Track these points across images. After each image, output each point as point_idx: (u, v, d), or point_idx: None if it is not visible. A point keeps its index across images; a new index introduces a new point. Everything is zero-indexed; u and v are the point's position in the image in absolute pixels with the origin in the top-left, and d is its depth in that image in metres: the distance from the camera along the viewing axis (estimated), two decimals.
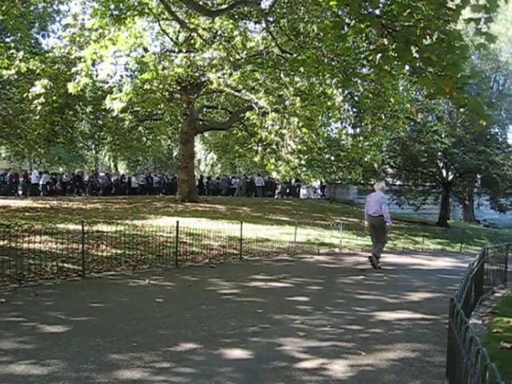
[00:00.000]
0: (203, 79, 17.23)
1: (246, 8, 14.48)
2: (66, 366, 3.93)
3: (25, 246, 8.23)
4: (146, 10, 13.82)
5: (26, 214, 12.86)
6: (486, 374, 2.14)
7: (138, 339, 4.71)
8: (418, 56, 5.33)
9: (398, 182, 30.58)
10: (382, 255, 11.17)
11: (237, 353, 4.48)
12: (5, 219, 11.29)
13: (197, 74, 16.31)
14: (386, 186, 11.17)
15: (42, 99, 14.48)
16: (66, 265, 8.15)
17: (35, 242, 8.42)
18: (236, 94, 16.51)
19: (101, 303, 6.12)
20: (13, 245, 8.17)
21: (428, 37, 5.33)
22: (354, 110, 17.70)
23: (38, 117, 17.30)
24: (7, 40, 19.37)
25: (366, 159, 18.42)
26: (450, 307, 3.45)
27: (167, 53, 18.27)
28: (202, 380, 3.78)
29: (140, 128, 24.33)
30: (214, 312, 5.92)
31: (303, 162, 15.27)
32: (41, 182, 26.37)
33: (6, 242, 8.19)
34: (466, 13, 5.29)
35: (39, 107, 15.50)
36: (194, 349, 4.53)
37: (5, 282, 6.95)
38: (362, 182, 25.77)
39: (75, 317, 5.41)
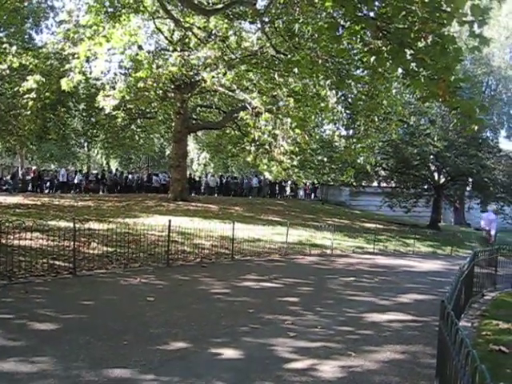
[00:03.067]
0: (197, 78, 17.18)
1: (241, 8, 14.46)
2: (55, 364, 3.91)
3: (15, 242, 8.16)
4: (141, 8, 13.78)
5: (17, 210, 12.77)
6: (476, 375, 2.15)
7: (129, 337, 4.70)
8: (411, 58, 5.35)
9: (385, 184, 30.73)
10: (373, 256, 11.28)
11: (227, 352, 4.48)
12: None
13: (191, 73, 16.26)
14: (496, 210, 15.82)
15: (33, 94, 14.41)
16: (56, 262, 8.11)
17: (26, 239, 8.37)
18: (230, 93, 16.47)
19: (91, 301, 6.09)
20: (3, 241, 8.09)
21: (422, 39, 5.35)
22: (348, 111, 17.72)
23: (29, 112, 17.20)
24: (0, 35, 19.24)
25: (358, 161, 18.44)
26: (440, 309, 3.47)
27: (161, 51, 18.20)
28: (192, 379, 3.77)
29: (133, 126, 24.24)
30: (204, 311, 5.92)
31: (295, 163, 15.28)
32: (75, 181, 27.44)
33: None
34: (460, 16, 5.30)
35: (31, 102, 15.40)
36: (184, 348, 4.53)
37: None
38: (355, 183, 25.81)
39: (65, 314, 5.38)
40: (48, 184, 27.57)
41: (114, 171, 32.78)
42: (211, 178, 32.88)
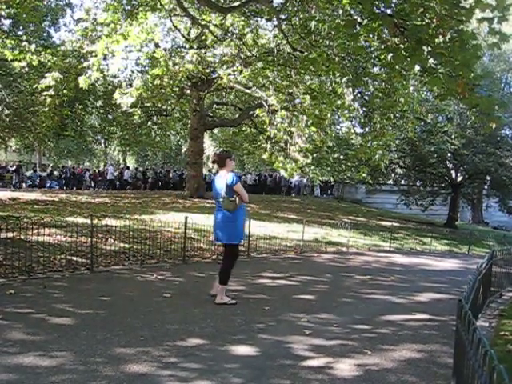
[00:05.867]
0: (214, 76, 17.24)
1: (257, 5, 14.44)
2: (73, 359, 3.96)
3: (34, 238, 8.27)
4: (158, 6, 13.81)
5: (35, 206, 12.93)
6: (494, 375, 2.14)
7: (145, 333, 4.74)
8: (430, 54, 5.31)
9: (402, 182, 30.52)
10: (389, 255, 11.28)
11: (243, 349, 4.49)
12: (14, 211, 11.37)
13: (207, 71, 16.30)
14: None
15: (51, 91, 14.54)
16: (74, 258, 8.20)
17: (44, 235, 8.46)
18: (246, 91, 16.50)
19: (108, 297, 6.15)
20: (22, 237, 8.22)
21: (441, 36, 5.31)
22: (364, 109, 17.63)
23: (47, 109, 17.39)
24: (19, 33, 19.47)
25: (373, 159, 18.35)
26: (457, 308, 3.45)
27: (178, 49, 18.27)
28: (209, 375, 3.80)
29: (149, 123, 24.39)
30: (220, 308, 5.94)
31: (309, 161, 15.24)
32: (125, 177, 29.05)
33: (15, 233, 8.25)
34: (479, 12, 5.25)
35: (49, 99, 15.57)
36: (200, 344, 4.55)
37: (14, 273, 7.00)
38: (371, 181, 25.71)
39: (83, 310, 5.44)
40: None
41: (159, 169, 33.62)
42: (248, 176, 32.86)
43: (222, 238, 6.34)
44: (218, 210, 6.34)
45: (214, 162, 6.64)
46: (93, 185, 29.94)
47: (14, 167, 26.91)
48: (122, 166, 38.63)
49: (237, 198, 6.17)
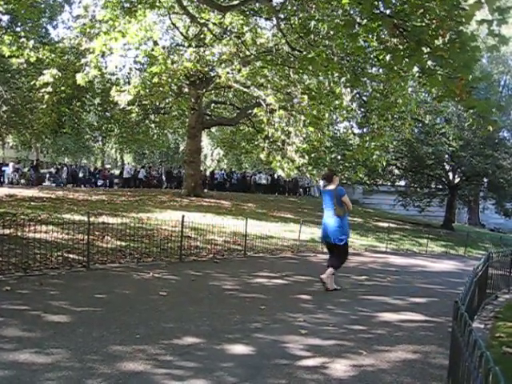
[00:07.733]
0: (212, 74, 17.23)
1: (257, 4, 14.44)
2: (69, 356, 3.95)
3: (30, 235, 8.26)
4: (157, 4, 13.80)
5: (32, 203, 12.90)
6: (490, 377, 2.14)
7: (141, 331, 4.73)
8: (429, 55, 5.31)
9: (403, 183, 30.55)
10: (386, 256, 11.28)
11: (239, 348, 4.49)
12: (11, 208, 11.34)
13: (206, 69, 16.30)
14: None
15: (49, 88, 14.51)
16: (70, 255, 8.19)
17: (41, 232, 8.46)
18: (244, 90, 16.49)
19: (105, 294, 6.14)
20: (19, 234, 8.20)
21: (440, 37, 5.31)
22: (362, 109, 17.64)
23: (44, 106, 17.34)
24: (17, 29, 19.39)
25: (371, 159, 18.34)
26: (453, 310, 3.44)
27: (177, 47, 18.26)
28: (204, 374, 3.79)
29: (147, 121, 24.35)
30: (216, 307, 5.94)
31: (306, 161, 15.24)
32: (140, 176, 29.52)
33: (12, 230, 8.22)
34: (479, 14, 5.25)
35: (46, 96, 15.53)
36: (196, 343, 4.55)
37: (10, 270, 6.98)
38: (368, 182, 25.72)
39: (79, 307, 5.43)
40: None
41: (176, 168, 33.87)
42: (261, 175, 32.23)
43: (334, 239, 7.69)
44: (329, 217, 7.75)
45: (323, 179, 8.33)
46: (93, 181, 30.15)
47: (14, 163, 27.07)
48: (138, 166, 39.08)
49: (345, 207, 7.62)
